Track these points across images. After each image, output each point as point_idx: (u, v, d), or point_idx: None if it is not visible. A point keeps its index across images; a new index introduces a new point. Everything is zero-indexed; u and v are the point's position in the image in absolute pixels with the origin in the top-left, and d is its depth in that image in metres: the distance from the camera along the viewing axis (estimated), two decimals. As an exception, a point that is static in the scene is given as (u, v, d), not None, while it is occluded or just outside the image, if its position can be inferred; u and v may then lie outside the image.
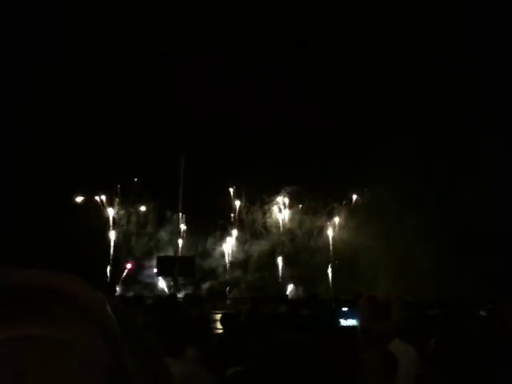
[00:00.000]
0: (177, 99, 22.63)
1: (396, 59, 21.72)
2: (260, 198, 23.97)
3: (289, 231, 24.38)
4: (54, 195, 19.59)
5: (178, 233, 20.07)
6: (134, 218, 24.17)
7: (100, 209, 24.17)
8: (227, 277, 24.21)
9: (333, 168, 21.32)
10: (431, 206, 20.20)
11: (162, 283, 22.92)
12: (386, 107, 21.49)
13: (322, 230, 24.15)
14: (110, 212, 24.27)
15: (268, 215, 24.35)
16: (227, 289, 23.14)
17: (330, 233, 24.08)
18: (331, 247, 24.10)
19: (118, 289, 22.39)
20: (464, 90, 20.53)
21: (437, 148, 20.34)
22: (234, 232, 24.50)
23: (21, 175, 19.70)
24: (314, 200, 23.78)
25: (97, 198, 23.90)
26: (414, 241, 19.89)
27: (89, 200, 23.55)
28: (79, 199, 22.73)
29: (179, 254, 21.60)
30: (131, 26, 22.12)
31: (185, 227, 23.85)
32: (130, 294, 18.39)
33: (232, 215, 24.66)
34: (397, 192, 20.03)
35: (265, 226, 24.44)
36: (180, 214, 19.12)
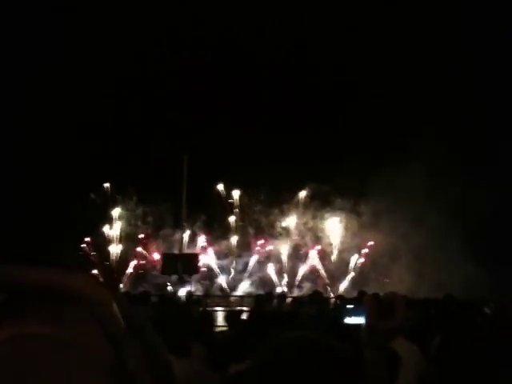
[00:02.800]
0: (177, 99, 22.64)
1: (396, 59, 21.74)
2: (278, 198, 23.54)
3: (310, 231, 24.13)
4: (58, 195, 19.53)
5: (181, 229, 20.05)
6: (150, 219, 23.82)
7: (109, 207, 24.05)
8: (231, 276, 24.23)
9: (344, 168, 21.27)
10: (442, 205, 20.08)
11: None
12: (387, 107, 21.44)
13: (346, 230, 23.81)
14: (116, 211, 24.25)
15: (287, 215, 24.04)
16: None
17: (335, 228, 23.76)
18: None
19: (121, 286, 22.36)
20: (464, 89, 20.56)
21: (440, 147, 20.31)
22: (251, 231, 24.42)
23: (21, 175, 19.67)
24: (339, 198, 23.44)
25: (97, 197, 23.83)
26: (431, 239, 19.82)
27: (96, 198, 23.42)
28: (85, 198, 22.60)
29: (197, 252, 21.82)
30: (131, 26, 22.13)
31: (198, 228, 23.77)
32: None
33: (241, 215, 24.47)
34: (411, 191, 19.98)
35: (284, 226, 24.20)
36: (183, 212, 19.14)
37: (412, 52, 21.96)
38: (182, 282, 18.31)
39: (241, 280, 23.98)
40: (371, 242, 23.11)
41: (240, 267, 24.25)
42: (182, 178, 18.04)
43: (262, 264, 24.10)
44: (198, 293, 22.46)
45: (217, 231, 24.07)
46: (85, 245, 23.13)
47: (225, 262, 24.25)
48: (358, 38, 22.37)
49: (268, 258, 24.05)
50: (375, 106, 21.91)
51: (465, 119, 20.93)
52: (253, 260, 24.14)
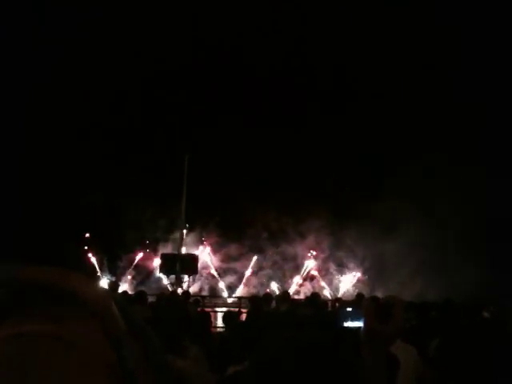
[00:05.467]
0: (177, 99, 22.70)
1: (396, 59, 21.79)
2: (290, 201, 23.27)
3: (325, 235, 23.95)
4: (64, 197, 19.39)
5: (181, 230, 20.07)
6: (162, 223, 23.35)
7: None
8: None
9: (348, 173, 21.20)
10: (450, 206, 19.98)
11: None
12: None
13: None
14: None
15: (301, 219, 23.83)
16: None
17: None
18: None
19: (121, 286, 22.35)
20: (464, 89, 20.60)
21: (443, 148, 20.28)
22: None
23: (26, 177, 19.59)
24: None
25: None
26: (439, 242, 19.78)
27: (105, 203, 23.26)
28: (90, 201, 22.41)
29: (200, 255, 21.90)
30: (131, 25, 22.16)
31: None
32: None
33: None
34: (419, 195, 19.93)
35: (300, 231, 24.10)
36: (183, 212, 19.18)
37: (412, 52, 22.03)
38: (180, 282, 18.38)
39: (248, 282, 24.04)
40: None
41: (249, 269, 24.31)
42: (184, 178, 18.09)
43: (272, 267, 24.12)
44: (205, 293, 22.65)
45: (230, 232, 23.93)
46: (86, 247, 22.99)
47: (236, 264, 24.25)
48: (359, 38, 22.43)
49: (284, 260, 24.05)
50: (381, 109, 21.94)
51: (466, 119, 20.94)
52: (262, 262, 24.19)
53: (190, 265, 18.36)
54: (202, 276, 23.75)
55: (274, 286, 23.64)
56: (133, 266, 24.06)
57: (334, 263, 24.17)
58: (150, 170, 22.18)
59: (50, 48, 21.49)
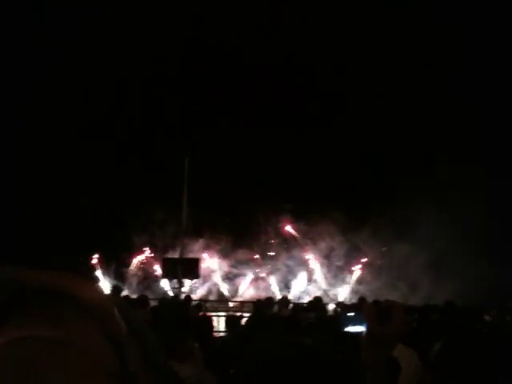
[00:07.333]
0: (177, 99, 22.70)
1: (396, 59, 21.79)
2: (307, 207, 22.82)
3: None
4: (64, 197, 19.41)
5: (182, 233, 19.97)
6: (166, 225, 22.84)
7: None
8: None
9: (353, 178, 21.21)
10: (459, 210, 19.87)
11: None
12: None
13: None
14: None
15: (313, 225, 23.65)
16: None
17: None
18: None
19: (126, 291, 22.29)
20: (464, 89, 20.61)
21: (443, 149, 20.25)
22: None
23: (26, 177, 19.61)
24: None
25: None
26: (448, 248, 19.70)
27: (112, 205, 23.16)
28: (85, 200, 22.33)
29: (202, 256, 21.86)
30: (131, 25, 22.16)
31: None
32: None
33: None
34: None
35: (311, 236, 23.93)
36: (184, 215, 19.08)
37: (412, 53, 22.04)
38: (182, 286, 18.33)
39: (254, 286, 24.01)
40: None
41: (254, 274, 24.28)
42: (184, 181, 18.03)
43: (280, 271, 24.10)
44: (212, 297, 22.63)
45: (238, 235, 23.78)
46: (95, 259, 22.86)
47: (244, 268, 24.20)
48: (359, 38, 22.43)
49: (292, 263, 23.99)
50: (381, 109, 21.92)
51: (466, 119, 20.93)
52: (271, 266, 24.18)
53: (191, 269, 18.28)
54: (209, 280, 23.74)
55: (280, 291, 23.55)
56: (138, 271, 24.02)
57: (342, 266, 24.06)
58: (150, 170, 22.14)
59: (50, 48, 21.48)
